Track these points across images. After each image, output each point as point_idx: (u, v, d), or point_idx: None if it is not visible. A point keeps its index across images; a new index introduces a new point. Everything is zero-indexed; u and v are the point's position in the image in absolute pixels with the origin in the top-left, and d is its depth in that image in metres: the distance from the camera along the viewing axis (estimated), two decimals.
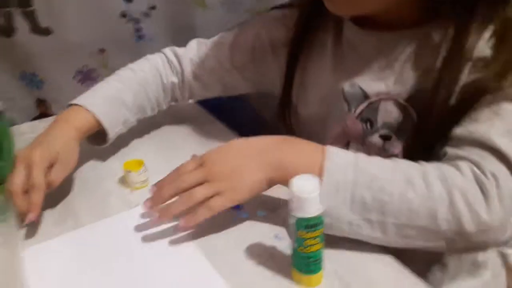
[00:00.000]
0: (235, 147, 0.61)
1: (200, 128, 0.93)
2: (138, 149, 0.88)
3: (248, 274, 0.54)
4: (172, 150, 0.86)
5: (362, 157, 0.55)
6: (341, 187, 0.52)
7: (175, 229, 0.60)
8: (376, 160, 0.55)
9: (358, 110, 0.68)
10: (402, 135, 0.65)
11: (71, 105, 0.76)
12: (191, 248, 0.59)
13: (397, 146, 0.66)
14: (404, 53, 0.64)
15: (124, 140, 0.91)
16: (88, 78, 1.12)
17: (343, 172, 0.52)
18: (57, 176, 0.65)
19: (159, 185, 0.61)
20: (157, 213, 0.58)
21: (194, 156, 0.64)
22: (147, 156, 0.77)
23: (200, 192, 0.56)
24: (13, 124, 1.19)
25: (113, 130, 0.77)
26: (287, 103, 0.80)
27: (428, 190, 0.51)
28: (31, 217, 0.60)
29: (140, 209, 0.65)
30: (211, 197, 0.56)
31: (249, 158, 0.58)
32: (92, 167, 0.81)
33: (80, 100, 0.76)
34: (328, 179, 0.52)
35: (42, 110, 1.13)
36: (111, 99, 0.78)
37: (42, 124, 1.05)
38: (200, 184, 0.57)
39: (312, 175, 0.47)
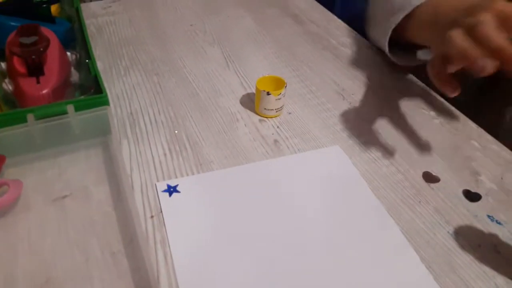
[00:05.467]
0: None
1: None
2: (255, 62, 0.67)
3: (448, 263, 0.38)
4: (308, 68, 0.66)
5: None
6: None
7: None
8: None
9: None
10: None
11: None
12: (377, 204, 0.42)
13: None
14: None
15: (236, 46, 0.71)
16: None
17: None
18: None
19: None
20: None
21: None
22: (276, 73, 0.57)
23: None
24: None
25: None
26: None
27: None
28: None
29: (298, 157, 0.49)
30: None
31: None
32: (207, 82, 0.62)
33: None
34: None
35: None
36: None
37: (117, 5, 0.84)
38: None
39: None
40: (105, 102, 0.46)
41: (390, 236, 0.41)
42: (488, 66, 0.39)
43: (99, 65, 0.64)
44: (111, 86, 0.60)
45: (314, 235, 0.41)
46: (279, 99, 0.53)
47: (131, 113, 0.55)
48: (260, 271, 0.37)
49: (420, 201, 0.44)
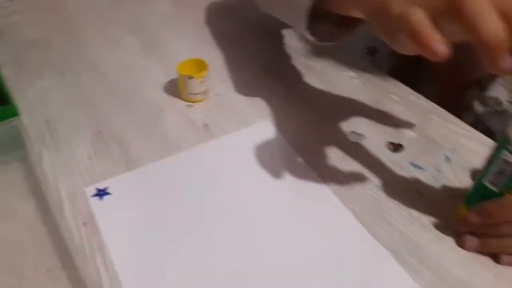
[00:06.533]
0: None
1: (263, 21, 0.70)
2: (176, 47, 0.65)
3: (378, 212, 0.41)
4: (231, 46, 0.65)
5: None
6: None
7: None
8: None
9: None
10: None
11: None
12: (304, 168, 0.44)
13: None
14: None
15: (153, 32, 0.68)
16: None
17: None
18: None
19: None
20: None
21: None
22: (198, 55, 0.56)
23: None
24: None
25: None
26: None
27: None
28: None
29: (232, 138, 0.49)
30: None
31: None
32: (126, 74, 0.60)
33: None
34: None
35: None
36: None
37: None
38: None
39: None
40: (14, 113, 0.43)
41: (323, 198, 0.43)
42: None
43: (5, 72, 0.59)
44: (22, 94, 0.55)
45: (254, 213, 0.41)
46: (202, 81, 0.52)
47: (48, 119, 0.52)
48: (203, 263, 0.38)
49: (348, 160, 0.46)
